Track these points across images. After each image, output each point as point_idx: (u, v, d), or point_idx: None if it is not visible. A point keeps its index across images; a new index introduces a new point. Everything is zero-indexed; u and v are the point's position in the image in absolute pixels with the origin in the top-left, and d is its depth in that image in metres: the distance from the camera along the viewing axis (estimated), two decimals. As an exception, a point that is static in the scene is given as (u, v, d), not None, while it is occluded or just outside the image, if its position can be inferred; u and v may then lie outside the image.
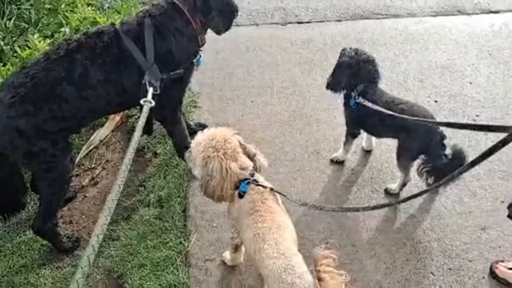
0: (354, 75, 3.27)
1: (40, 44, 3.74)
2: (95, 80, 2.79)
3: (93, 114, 3.02)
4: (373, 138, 3.68)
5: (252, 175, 2.39)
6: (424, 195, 3.40)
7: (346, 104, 3.41)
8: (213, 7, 3.04)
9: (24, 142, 2.71)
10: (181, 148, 3.44)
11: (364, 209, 2.50)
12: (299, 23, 5.31)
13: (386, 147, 3.73)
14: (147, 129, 3.42)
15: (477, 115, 4.06)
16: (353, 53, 3.29)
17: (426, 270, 2.95)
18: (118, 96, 2.90)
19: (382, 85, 3.37)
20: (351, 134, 3.53)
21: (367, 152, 3.75)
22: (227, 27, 3.27)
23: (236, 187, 2.37)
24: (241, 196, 2.37)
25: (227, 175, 2.32)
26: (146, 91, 2.71)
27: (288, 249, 2.15)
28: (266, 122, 4.04)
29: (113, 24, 2.94)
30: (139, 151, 3.97)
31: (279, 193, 2.44)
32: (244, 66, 4.67)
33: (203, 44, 3.18)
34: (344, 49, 3.38)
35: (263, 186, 2.37)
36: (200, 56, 3.23)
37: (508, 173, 3.55)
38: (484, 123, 3.91)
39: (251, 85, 4.44)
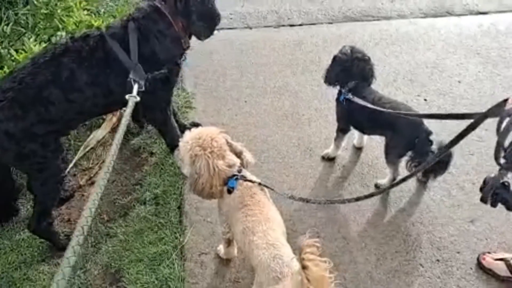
0: (346, 71, 3.36)
1: (35, 48, 3.81)
2: (81, 82, 2.85)
3: (81, 116, 3.09)
4: (365, 136, 3.77)
5: (240, 171, 2.46)
6: (414, 190, 3.49)
7: (337, 99, 3.50)
8: (193, 11, 3.09)
9: (13, 145, 2.76)
10: (174, 147, 3.51)
11: (349, 200, 2.59)
12: (291, 25, 5.42)
13: (376, 144, 3.81)
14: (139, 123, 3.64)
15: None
16: (348, 51, 3.38)
17: (415, 261, 3.03)
18: (105, 98, 2.95)
19: (373, 84, 3.44)
20: (342, 130, 3.62)
21: (358, 149, 3.84)
22: (208, 33, 3.30)
23: (225, 184, 2.44)
24: (230, 192, 2.43)
25: (215, 173, 2.39)
26: (131, 88, 2.79)
27: (277, 240, 2.22)
28: (260, 121, 4.13)
29: (98, 28, 3.03)
30: (135, 151, 4.05)
31: (267, 186, 2.52)
32: (238, 67, 4.76)
33: (187, 47, 3.25)
34: (344, 46, 3.47)
35: (251, 181, 2.44)
36: (186, 58, 3.32)
37: (494, 167, 3.62)
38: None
39: (244, 86, 4.53)
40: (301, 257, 1.87)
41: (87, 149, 4.18)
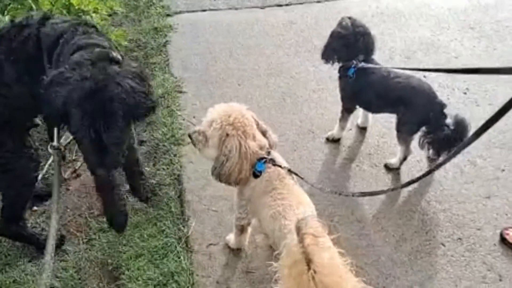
0: (350, 46, 3.18)
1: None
2: (8, 77, 2.40)
3: (24, 113, 2.60)
4: (369, 114, 3.58)
5: (268, 153, 2.28)
6: (423, 166, 3.34)
7: (342, 76, 3.31)
8: None
9: None
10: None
11: (384, 191, 2.40)
12: (278, 5, 5.18)
13: (382, 122, 3.65)
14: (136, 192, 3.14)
15: (467, 88, 4.03)
16: (349, 24, 3.20)
17: (436, 240, 2.87)
18: (34, 100, 2.34)
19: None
20: (347, 110, 3.44)
21: (363, 129, 3.66)
22: None
23: (252, 167, 2.24)
24: (256, 176, 2.25)
25: (246, 156, 2.19)
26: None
27: None
28: (257, 105, 3.90)
29: (45, 17, 2.48)
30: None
31: (296, 174, 2.31)
32: (227, 50, 4.51)
33: None
34: (342, 19, 3.28)
35: (280, 166, 2.26)
36: None
37: (504, 142, 3.52)
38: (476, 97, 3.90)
39: (236, 69, 4.29)
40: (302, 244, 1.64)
41: (68, 140, 3.87)
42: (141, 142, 3.68)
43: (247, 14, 5.05)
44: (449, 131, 2.98)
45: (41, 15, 2.46)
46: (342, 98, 3.40)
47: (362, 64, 3.12)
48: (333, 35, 3.27)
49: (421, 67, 4.26)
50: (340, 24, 3.26)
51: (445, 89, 3.99)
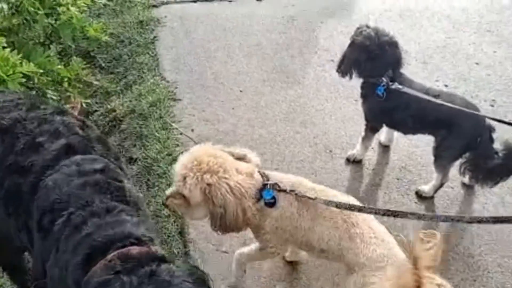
0: (375, 60, 2.73)
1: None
2: None
3: None
4: (394, 132, 3.14)
5: (267, 177, 2.05)
6: (461, 197, 2.94)
7: (367, 94, 2.87)
8: None
9: None
10: None
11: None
12: (277, -2, 4.67)
13: (406, 140, 3.22)
14: None
15: (493, 100, 3.65)
16: (372, 34, 2.75)
17: (487, 292, 2.47)
18: None
19: None
20: (372, 129, 2.99)
21: (385, 147, 3.22)
22: None
23: (258, 200, 2.01)
24: (271, 204, 2.01)
25: (243, 193, 1.95)
26: None
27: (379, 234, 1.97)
28: (263, 115, 3.40)
29: None
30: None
31: (308, 197, 1.98)
32: (224, 48, 3.98)
33: None
34: (359, 28, 2.84)
35: (285, 191, 2.00)
36: None
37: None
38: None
39: (236, 71, 3.76)
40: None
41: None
42: (131, 160, 3.14)
43: (243, 7, 4.51)
44: (500, 160, 2.58)
45: None
46: (368, 117, 2.95)
47: (396, 85, 2.66)
48: (354, 46, 2.82)
49: (439, 74, 3.88)
50: (360, 33, 2.79)
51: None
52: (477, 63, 4.02)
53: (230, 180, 1.93)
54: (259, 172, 2.07)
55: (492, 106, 3.59)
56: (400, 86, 2.64)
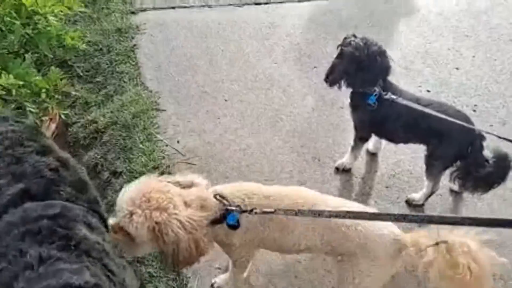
0: (365, 70, 2.72)
1: None
2: None
3: None
4: (382, 140, 3.14)
5: (225, 199, 2.00)
6: (449, 204, 2.95)
7: (358, 104, 2.85)
8: None
9: None
10: None
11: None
12: (256, 4, 4.60)
13: (393, 148, 3.21)
14: None
15: (475, 105, 3.69)
16: (361, 44, 2.73)
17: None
18: None
19: None
20: (361, 139, 2.98)
21: (373, 155, 3.22)
22: None
23: (218, 223, 2.01)
24: (235, 227, 2.01)
25: (195, 227, 1.87)
26: None
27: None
28: (249, 125, 3.35)
29: None
30: (91, 170, 3.10)
31: (268, 212, 1.95)
32: (206, 56, 3.90)
33: None
34: (346, 38, 2.83)
35: (249, 212, 1.97)
36: None
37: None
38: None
39: (219, 80, 3.70)
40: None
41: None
42: (115, 174, 3.04)
43: (223, 14, 4.43)
44: (491, 168, 2.59)
45: None
46: (357, 127, 2.94)
47: (390, 95, 2.65)
48: (343, 57, 2.79)
49: (421, 79, 3.91)
50: (349, 43, 2.77)
51: (453, 106, 3.63)
52: (457, 68, 4.06)
53: (180, 216, 1.86)
54: (215, 196, 2.01)
55: (474, 111, 3.62)
56: (393, 96, 2.63)
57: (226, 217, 2.00)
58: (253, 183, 2.19)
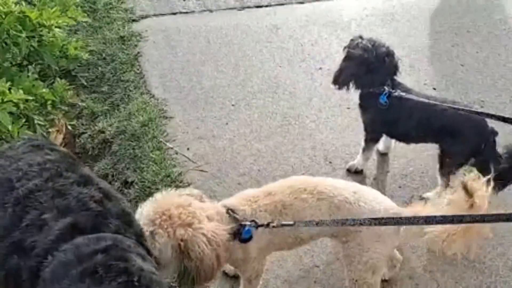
0: (374, 71, 2.72)
1: None
2: None
3: None
4: (392, 139, 3.13)
5: (236, 213, 2.00)
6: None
7: (368, 104, 2.84)
8: None
9: None
10: None
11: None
12: (257, 7, 4.59)
13: (404, 146, 3.19)
14: None
15: (482, 100, 3.69)
16: (369, 45, 2.73)
17: (503, 297, 2.47)
18: None
19: None
20: (372, 140, 2.97)
21: (383, 155, 3.20)
22: None
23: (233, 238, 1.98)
24: (247, 240, 2.00)
25: (218, 241, 1.85)
26: None
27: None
28: (258, 129, 3.34)
29: None
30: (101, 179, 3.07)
31: (287, 225, 1.96)
32: (211, 61, 3.89)
33: None
34: (354, 40, 2.84)
35: (266, 226, 1.96)
36: None
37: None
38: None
39: (226, 85, 3.68)
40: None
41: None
42: (126, 184, 3.02)
43: (225, 18, 4.42)
44: (506, 164, 2.59)
45: None
46: (368, 128, 2.93)
47: (399, 93, 2.64)
48: (352, 59, 2.80)
49: (427, 77, 3.90)
50: (356, 45, 2.78)
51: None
52: (462, 65, 4.05)
53: (205, 230, 1.82)
54: (227, 211, 2.01)
55: (482, 106, 3.61)
56: (403, 94, 2.63)
57: (241, 232, 1.98)
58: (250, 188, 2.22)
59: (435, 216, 1.86)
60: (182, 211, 1.82)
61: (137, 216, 1.83)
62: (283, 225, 1.94)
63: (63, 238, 1.48)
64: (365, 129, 2.96)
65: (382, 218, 1.98)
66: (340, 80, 2.87)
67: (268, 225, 1.94)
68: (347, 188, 2.14)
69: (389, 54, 2.80)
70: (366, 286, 2.14)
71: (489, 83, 3.85)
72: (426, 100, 2.60)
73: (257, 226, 1.96)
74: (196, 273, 1.82)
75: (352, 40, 2.87)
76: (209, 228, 1.83)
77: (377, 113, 2.79)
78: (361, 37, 2.85)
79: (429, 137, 2.78)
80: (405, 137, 2.91)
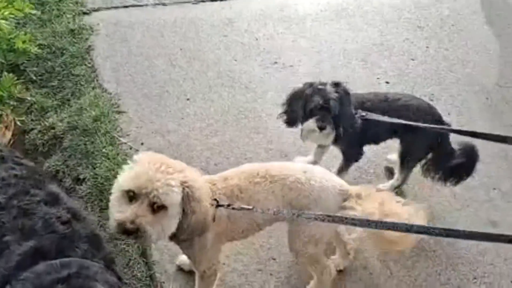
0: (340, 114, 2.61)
1: None
2: None
3: None
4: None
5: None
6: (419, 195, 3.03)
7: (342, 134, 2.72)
8: None
9: None
10: None
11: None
12: (212, 0, 4.55)
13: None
14: None
15: (432, 94, 3.80)
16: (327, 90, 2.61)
17: (452, 284, 2.55)
18: None
19: (327, 66, 3.40)
20: (356, 158, 2.94)
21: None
22: None
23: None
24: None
25: (208, 192, 1.98)
26: None
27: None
28: (214, 123, 3.32)
29: None
30: (53, 177, 2.98)
31: (245, 208, 2.00)
32: (165, 55, 3.83)
33: None
34: (305, 85, 2.74)
35: (228, 206, 2.02)
36: None
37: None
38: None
39: (180, 79, 3.64)
40: None
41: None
42: (78, 181, 2.94)
43: (179, 11, 4.36)
44: (462, 158, 2.67)
45: None
46: (348, 149, 2.89)
47: (370, 115, 2.60)
48: (298, 99, 2.73)
49: (379, 71, 3.98)
50: (312, 92, 2.64)
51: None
52: (412, 59, 4.16)
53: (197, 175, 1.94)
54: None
55: (432, 100, 3.70)
56: (374, 115, 2.59)
57: None
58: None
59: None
60: (172, 161, 1.91)
61: (127, 182, 1.77)
62: (242, 208, 1.99)
63: (24, 265, 1.40)
64: (344, 153, 2.91)
65: (335, 216, 1.99)
66: (290, 120, 2.83)
67: (229, 205, 1.99)
68: (297, 168, 2.21)
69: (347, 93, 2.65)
70: (307, 256, 2.23)
71: (438, 77, 3.96)
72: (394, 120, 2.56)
73: (218, 205, 1.99)
74: (195, 221, 1.85)
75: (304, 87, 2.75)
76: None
77: (353, 136, 2.70)
78: (310, 84, 2.70)
79: (395, 134, 2.79)
80: (376, 140, 2.89)
